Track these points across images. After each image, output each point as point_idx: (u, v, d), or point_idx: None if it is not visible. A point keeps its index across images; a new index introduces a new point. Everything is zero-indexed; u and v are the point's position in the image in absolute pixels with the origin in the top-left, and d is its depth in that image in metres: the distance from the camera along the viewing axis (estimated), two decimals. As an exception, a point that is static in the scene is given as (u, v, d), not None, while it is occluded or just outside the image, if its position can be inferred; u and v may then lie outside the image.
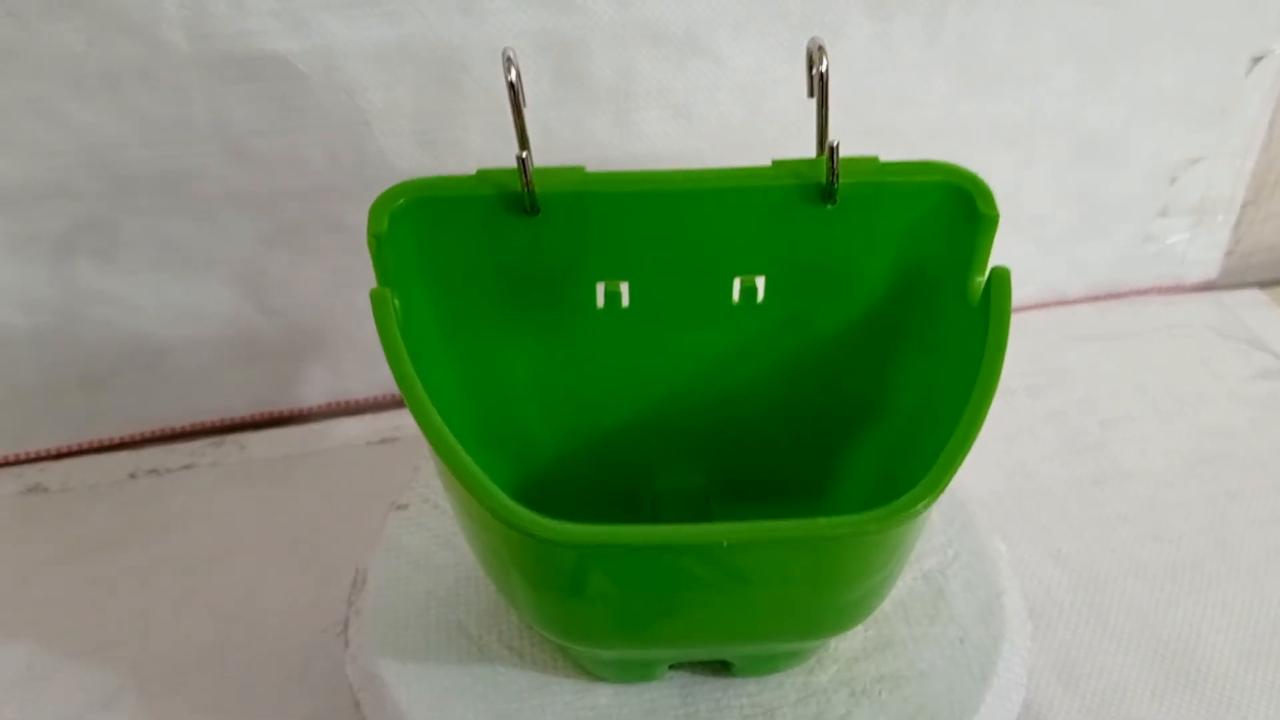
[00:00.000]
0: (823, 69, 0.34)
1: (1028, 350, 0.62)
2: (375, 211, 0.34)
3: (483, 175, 0.36)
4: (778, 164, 0.36)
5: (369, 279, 0.54)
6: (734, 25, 0.51)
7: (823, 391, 0.40)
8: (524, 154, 0.35)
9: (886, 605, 0.37)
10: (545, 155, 0.52)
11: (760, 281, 0.38)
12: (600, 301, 0.38)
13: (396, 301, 0.34)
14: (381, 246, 0.34)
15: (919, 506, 0.27)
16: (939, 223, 0.36)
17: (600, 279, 0.38)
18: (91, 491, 0.53)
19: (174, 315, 0.53)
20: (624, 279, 0.38)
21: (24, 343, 0.52)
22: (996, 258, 0.63)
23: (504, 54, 0.33)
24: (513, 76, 0.33)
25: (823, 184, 0.35)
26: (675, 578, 0.29)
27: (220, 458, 0.55)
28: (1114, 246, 0.65)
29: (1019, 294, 0.65)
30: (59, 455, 0.56)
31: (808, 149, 0.56)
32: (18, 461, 0.55)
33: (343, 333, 0.56)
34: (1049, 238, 0.63)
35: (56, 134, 0.47)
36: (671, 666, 0.36)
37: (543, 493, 0.41)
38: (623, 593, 0.29)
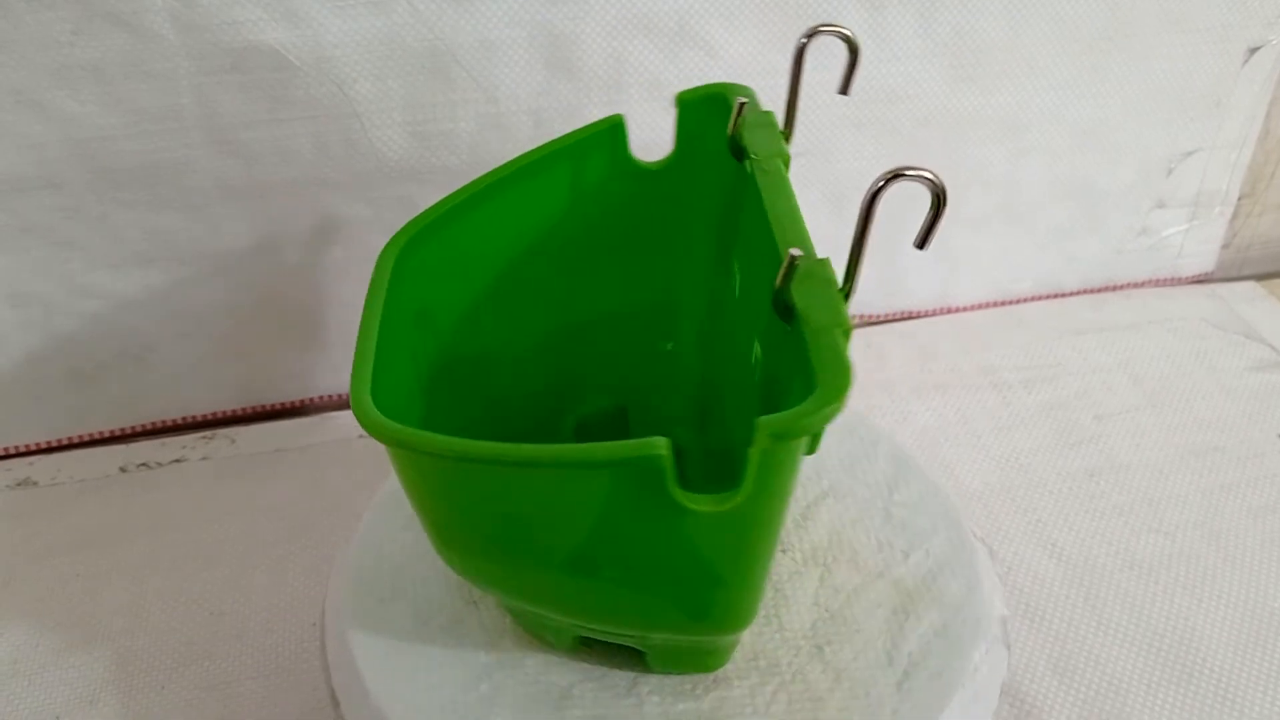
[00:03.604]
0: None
1: (1022, 343, 0.61)
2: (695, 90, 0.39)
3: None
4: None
5: (360, 271, 0.54)
6: (726, 15, 0.51)
7: None
8: (744, 100, 0.36)
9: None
10: (537, 145, 0.52)
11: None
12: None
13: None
14: (682, 110, 0.38)
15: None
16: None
17: (736, 255, 0.39)
18: (81, 485, 0.53)
19: (163, 308, 0.53)
20: (739, 265, 0.39)
21: (12, 336, 0.52)
22: (994, 250, 0.63)
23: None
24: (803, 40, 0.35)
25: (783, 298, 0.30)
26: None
27: (211, 451, 0.55)
28: (1109, 239, 0.65)
29: (1014, 288, 0.65)
30: (48, 449, 0.56)
31: (803, 144, 0.56)
32: (6, 455, 0.55)
33: (334, 325, 0.55)
34: (1044, 230, 0.63)
35: (42, 125, 0.47)
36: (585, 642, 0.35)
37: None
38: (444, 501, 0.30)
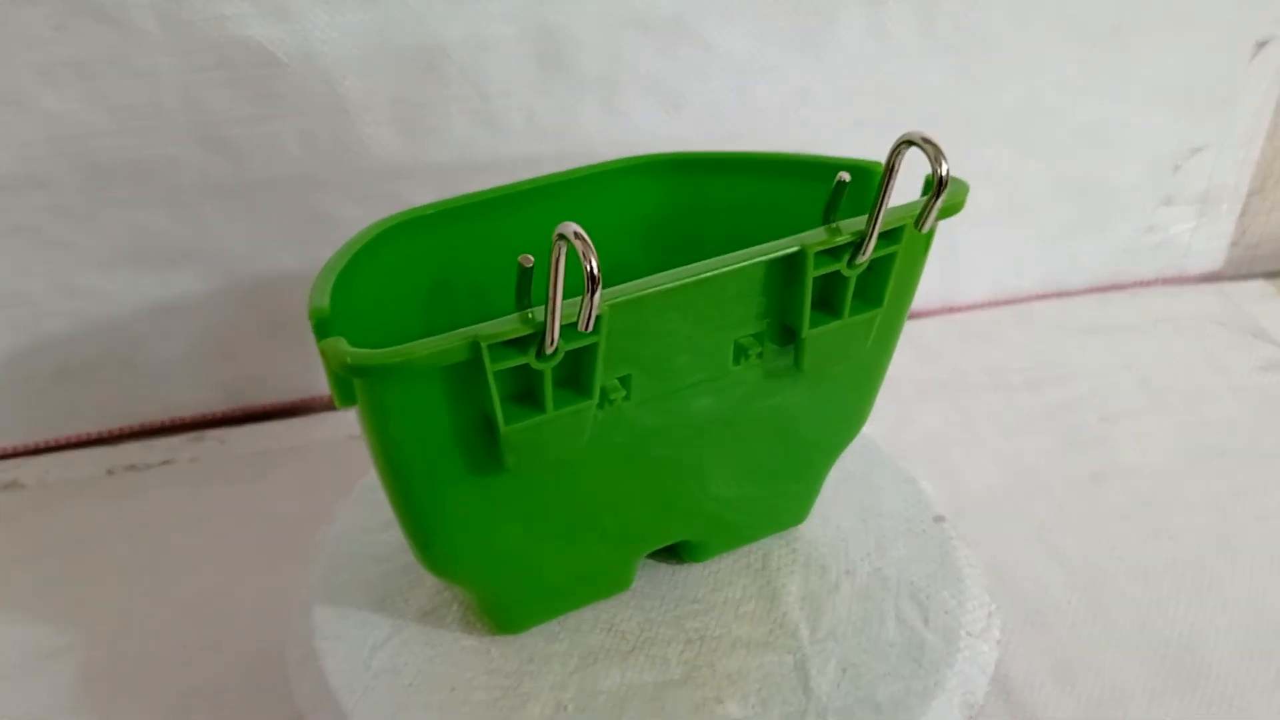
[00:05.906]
0: None
1: (1027, 343, 0.61)
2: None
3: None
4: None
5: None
6: (724, 12, 0.50)
7: None
8: (846, 176, 0.36)
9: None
10: (530, 143, 0.51)
11: None
12: None
13: None
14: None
15: None
16: None
17: None
18: (68, 488, 0.53)
19: (150, 308, 0.52)
20: None
21: (-3, 336, 0.51)
22: (998, 248, 0.62)
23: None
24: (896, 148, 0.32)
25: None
26: None
27: (199, 453, 0.54)
28: (1116, 237, 0.64)
29: (1019, 285, 0.64)
30: (35, 451, 0.55)
31: (803, 139, 0.56)
32: (-6, 458, 0.55)
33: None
34: (1049, 228, 0.62)
35: (26, 123, 0.46)
36: None
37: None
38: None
